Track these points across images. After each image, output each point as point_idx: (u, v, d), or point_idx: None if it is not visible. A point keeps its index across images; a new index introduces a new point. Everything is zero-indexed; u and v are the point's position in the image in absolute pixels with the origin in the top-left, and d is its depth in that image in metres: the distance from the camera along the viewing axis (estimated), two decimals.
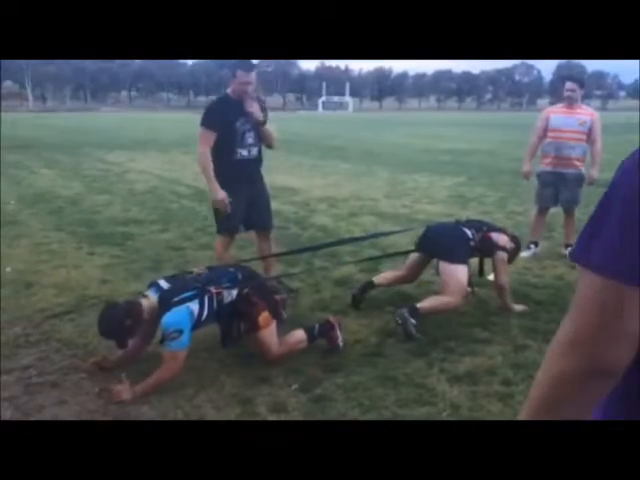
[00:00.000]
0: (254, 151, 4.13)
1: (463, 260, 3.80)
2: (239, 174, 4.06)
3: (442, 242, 3.87)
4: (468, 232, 3.88)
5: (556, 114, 5.39)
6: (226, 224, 4.18)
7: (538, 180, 5.54)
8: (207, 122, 4.02)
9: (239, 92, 3.99)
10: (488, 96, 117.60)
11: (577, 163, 5.29)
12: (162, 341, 2.97)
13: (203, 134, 4.01)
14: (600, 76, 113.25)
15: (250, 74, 3.96)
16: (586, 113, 5.32)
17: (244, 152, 4.06)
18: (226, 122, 3.98)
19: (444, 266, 3.76)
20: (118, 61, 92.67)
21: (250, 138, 4.06)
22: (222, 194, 3.98)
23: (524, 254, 5.13)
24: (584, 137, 5.22)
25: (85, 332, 3.68)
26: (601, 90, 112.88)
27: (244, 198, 4.13)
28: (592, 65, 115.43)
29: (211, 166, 3.98)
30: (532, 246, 5.51)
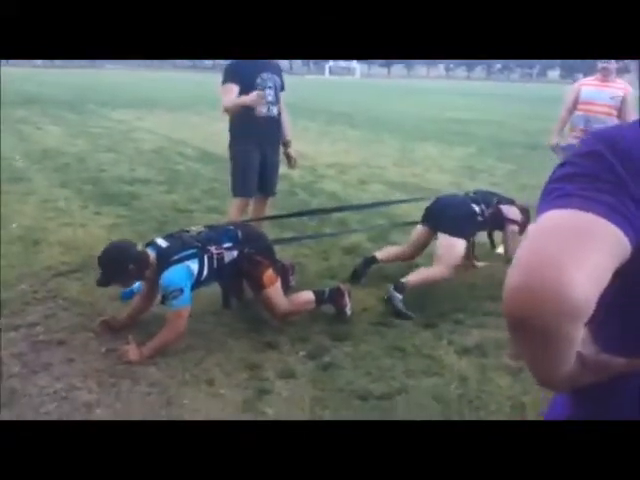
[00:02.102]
0: (274, 110, 4.01)
1: (464, 235, 3.74)
2: (258, 132, 3.96)
3: (447, 216, 3.77)
4: (476, 208, 3.79)
5: (588, 87, 5.22)
6: (244, 187, 4.08)
7: (564, 153, 5.41)
8: (228, 77, 3.92)
9: None
10: (498, 66, 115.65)
11: None
12: (163, 301, 2.94)
13: (225, 88, 3.91)
14: None
15: None
16: (619, 87, 5.10)
17: (263, 109, 3.93)
18: (246, 77, 3.87)
19: (443, 238, 3.70)
20: None
21: (270, 96, 3.94)
22: (252, 95, 3.81)
23: None
24: (614, 112, 5.03)
25: (92, 291, 3.65)
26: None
27: (260, 160, 4.04)
28: None
29: (237, 99, 3.88)
30: None
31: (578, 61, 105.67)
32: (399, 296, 3.46)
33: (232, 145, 4.10)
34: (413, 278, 3.57)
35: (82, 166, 7.73)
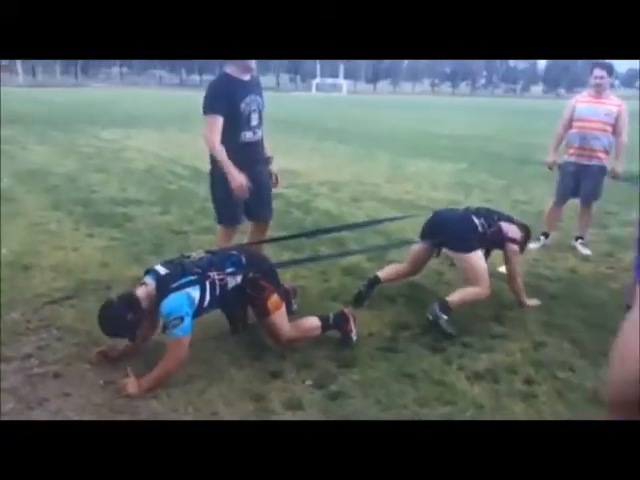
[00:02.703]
0: (259, 132, 3.86)
1: (476, 247, 3.66)
2: (244, 158, 3.77)
3: (451, 230, 3.69)
4: (477, 221, 3.73)
5: (582, 103, 5.19)
6: (228, 214, 3.90)
7: (560, 171, 5.38)
8: (211, 107, 3.69)
9: (244, 62, 3.66)
10: (482, 81, 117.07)
11: (601, 155, 5.12)
12: (164, 330, 2.84)
13: (210, 121, 3.68)
14: (594, 64, 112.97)
15: None
16: (613, 103, 5.11)
17: (249, 134, 3.79)
18: (230, 104, 3.68)
19: (460, 256, 3.63)
20: None
21: (255, 119, 3.80)
22: (241, 178, 3.67)
23: (533, 245, 5.03)
24: (609, 128, 5.04)
25: (87, 319, 3.53)
26: None
27: (250, 185, 3.80)
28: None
29: (224, 151, 3.68)
30: (542, 237, 5.40)
31: (560, 76, 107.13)
32: (445, 317, 3.39)
33: (214, 171, 3.87)
34: (456, 298, 3.51)
35: (72, 187, 7.60)
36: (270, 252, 4.19)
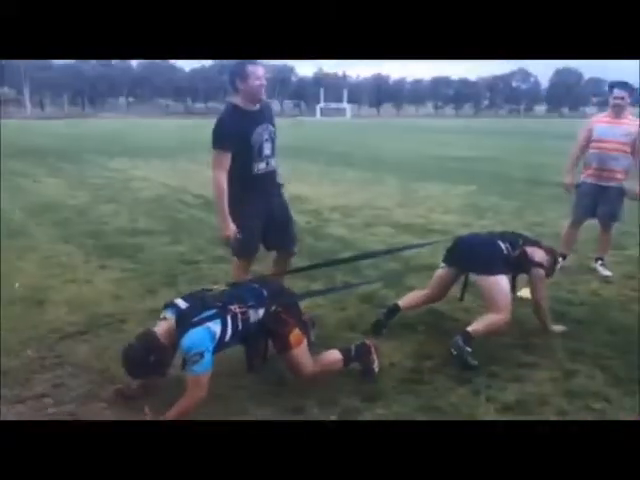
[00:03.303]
0: (272, 162, 3.73)
1: (502, 271, 3.57)
2: (257, 190, 3.66)
3: (476, 254, 3.61)
4: (502, 245, 3.65)
5: (600, 124, 5.11)
6: (243, 247, 3.75)
7: (577, 191, 5.27)
8: (219, 143, 3.53)
9: (252, 93, 3.53)
10: (485, 102, 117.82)
11: (619, 176, 5.03)
12: (183, 365, 2.75)
13: (217, 157, 3.55)
14: (597, 83, 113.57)
15: (261, 68, 3.52)
16: (632, 123, 5.01)
17: (261, 165, 3.65)
18: (240, 138, 3.52)
19: (484, 280, 3.53)
20: (116, 67, 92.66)
21: (267, 149, 3.66)
22: (232, 229, 3.55)
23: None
24: (628, 149, 4.95)
25: (101, 355, 3.46)
26: (598, 97, 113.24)
27: (263, 216, 3.73)
28: (589, 72, 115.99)
29: (226, 194, 3.54)
30: (560, 259, 5.29)
31: (563, 95, 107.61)
32: (468, 349, 3.29)
33: (229, 197, 3.69)
34: (478, 327, 3.40)
35: (83, 219, 7.58)
36: (286, 281, 4.11)
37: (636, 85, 5.16)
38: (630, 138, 4.93)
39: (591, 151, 5.09)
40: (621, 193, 5.08)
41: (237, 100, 3.60)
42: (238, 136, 3.53)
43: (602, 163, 5.01)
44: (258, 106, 3.65)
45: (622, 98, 4.91)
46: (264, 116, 3.68)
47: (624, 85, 4.98)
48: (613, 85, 5.01)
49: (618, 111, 4.96)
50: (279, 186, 3.90)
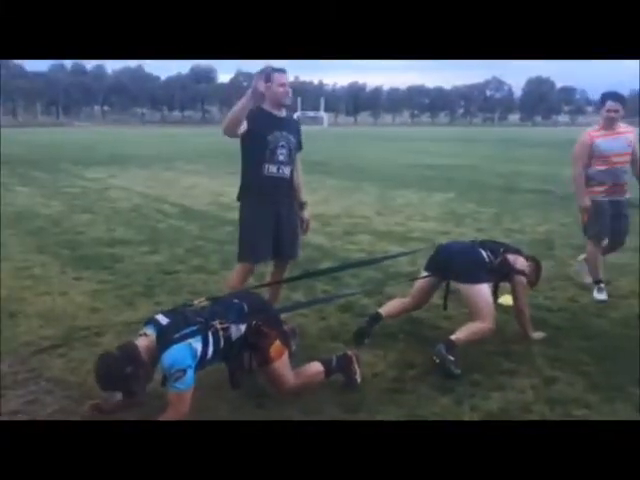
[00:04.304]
0: (285, 170, 3.74)
1: (484, 279, 3.58)
2: (266, 194, 3.70)
3: (458, 262, 3.62)
4: (484, 253, 3.67)
5: (602, 138, 4.71)
6: (251, 251, 3.75)
7: (591, 211, 4.77)
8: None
9: (276, 98, 3.63)
10: (460, 111, 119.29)
11: (626, 188, 4.78)
12: (164, 382, 2.69)
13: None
14: (569, 91, 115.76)
15: (284, 75, 3.61)
16: (629, 131, 4.77)
17: (273, 168, 3.68)
18: (257, 132, 3.60)
19: (467, 288, 3.54)
20: (91, 75, 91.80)
21: (282, 155, 3.69)
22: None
23: (601, 297, 4.69)
24: (629, 158, 4.74)
25: (77, 369, 3.38)
26: (570, 105, 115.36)
27: (272, 222, 3.74)
28: (561, 81, 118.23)
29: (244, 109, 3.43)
30: (602, 285, 4.82)
31: (536, 104, 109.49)
32: (451, 358, 3.28)
33: (239, 199, 3.84)
34: (461, 336, 3.40)
35: (57, 229, 7.44)
36: (264, 291, 4.08)
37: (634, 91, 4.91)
38: (631, 147, 4.73)
39: (600, 168, 4.71)
40: (627, 205, 4.87)
41: (264, 104, 3.69)
42: (256, 129, 3.60)
43: (616, 179, 4.72)
44: (284, 113, 3.78)
45: (616, 111, 4.64)
46: (287, 125, 3.78)
47: (618, 97, 4.73)
48: (606, 97, 4.71)
49: (611, 123, 4.68)
50: (291, 197, 3.89)
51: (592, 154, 4.71)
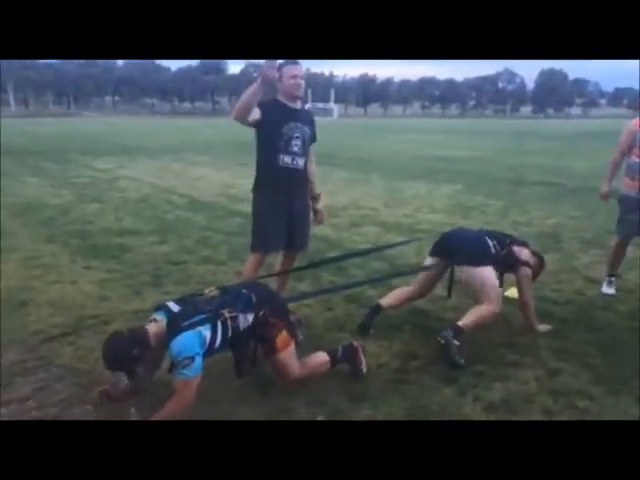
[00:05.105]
0: (300, 162, 3.78)
1: (489, 262, 3.57)
2: (280, 184, 3.75)
3: (465, 246, 3.62)
4: (490, 242, 3.67)
5: None
6: (264, 242, 3.81)
7: (622, 205, 4.62)
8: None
9: (289, 91, 3.65)
10: (472, 103, 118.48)
11: None
12: (171, 369, 2.72)
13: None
14: (581, 84, 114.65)
15: (297, 67, 3.62)
16: None
17: (287, 159, 3.72)
18: (272, 123, 3.64)
19: (471, 271, 3.53)
20: (101, 66, 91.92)
21: (296, 146, 3.73)
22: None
23: (609, 290, 4.65)
24: None
25: (86, 357, 3.43)
26: (582, 98, 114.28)
27: (286, 213, 3.79)
28: (574, 73, 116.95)
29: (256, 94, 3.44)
30: (613, 279, 4.77)
31: (548, 96, 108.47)
32: (456, 343, 3.29)
33: (254, 190, 3.88)
34: (468, 321, 3.40)
35: (67, 218, 7.51)
36: (271, 281, 4.11)
37: None
38: None
39: (636, 160, 4.45)
40: None
41: (279, 96, 3.73)
42: (270, 120, 3.64)
43: None
44: (299, 105, 3.81)
45: None
46: (302, 117, 3.81)
47: None
48: None
49: None
50: (304, 188, 3.93)
51: (634, 143, 4.48)
